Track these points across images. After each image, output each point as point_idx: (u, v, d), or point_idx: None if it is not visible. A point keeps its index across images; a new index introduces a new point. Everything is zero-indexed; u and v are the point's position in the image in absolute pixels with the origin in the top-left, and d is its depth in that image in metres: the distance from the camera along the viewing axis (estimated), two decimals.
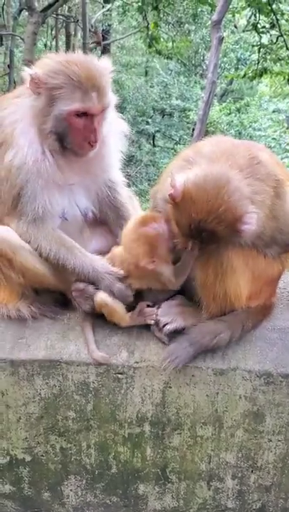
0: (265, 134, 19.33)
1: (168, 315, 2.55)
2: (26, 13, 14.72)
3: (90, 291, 2.58)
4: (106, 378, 2.57)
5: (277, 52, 13.67)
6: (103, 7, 21.20)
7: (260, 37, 13.84)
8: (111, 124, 2.72)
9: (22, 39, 15.42)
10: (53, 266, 2.63)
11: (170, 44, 19.33)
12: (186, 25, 20.18)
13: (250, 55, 20.36)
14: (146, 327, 2.59)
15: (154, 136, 24.10)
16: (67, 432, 2.70)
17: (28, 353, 2.59)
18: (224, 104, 22.66)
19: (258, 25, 13.19)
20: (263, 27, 13.33)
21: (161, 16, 15.63)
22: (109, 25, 22.70)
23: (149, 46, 15.61)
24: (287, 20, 13.44)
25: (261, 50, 13.72)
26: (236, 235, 2.19)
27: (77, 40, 21.20)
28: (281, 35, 12.98)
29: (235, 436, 2.64)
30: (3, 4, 18.66)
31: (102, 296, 2.54)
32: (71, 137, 2.53)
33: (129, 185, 3.05)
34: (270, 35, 13.88)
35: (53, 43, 22.21)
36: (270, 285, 2.63)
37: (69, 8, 20.50)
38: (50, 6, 13.82)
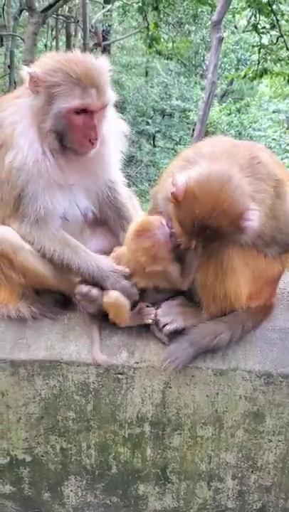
0: (265, 135, 19.33)
1: (168, 315, 2.55)
2: (27, 13, 14.76)
3: (94, 294, 2.56)
4: (106, 379, 2.57)
5: (277, 52, 13.68)
6: (103, 7, 21.23)
7: (261, 37, 13.86)
8: (111, 124, 2.73)
9: (22, 39, 15.45)
10: (56, 266, 2.62)
11: (170, 44, 19.37)
12: (187, 25, 20.20)
13: (250, 56, 20.37)
14: (146, 327, 2.59)
15: (154, 137, 24.12)
16: (67, 432, 2.70)
17: (28, 353, 2.59)
18: (224, 105, 22.67)
19: (258, 26, 13.22)
20: (263, 27, 13.35)
21: (162, 16, 15.67)
22: (109, 26, 22.73)
23: (150, 47, 15.62)
24: (287, 21, 13.45)
25: (261, 50, 13.74)
26: (239, 232, 2.19)
27: (77, 41, 21.22)
28: (281, 36, 13.00)
29: (235, 436, 2.64)
30: (4, 5, 18.67)
31: (115, 295, 2.52)
32: (71, 135, 2.52)
33: (129, 186, 3.05)
34: (271, 36, 13.90)
35: (53, 43, 22.23)
36: (271, 285, 2.63)
37: (69, 8, 20.53)
38: (50, 6, 13.84)
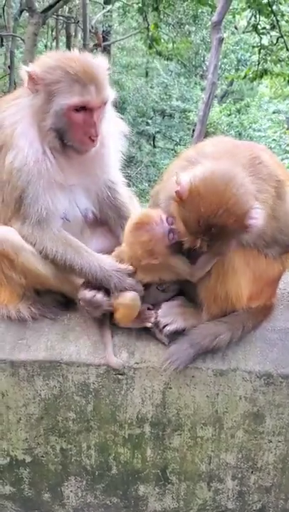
0: (265, 135, 19.36)
1: (168, 316, 2.55)
2: (27, 14, 14.75)
3: (98, 300, 2.53)
4: (106, 379, 2.57)
5: (277, 53, 13.67)
6: (103, 8, 21.25)
7: (261, 38, 13.86)
8: (110, 124, 2.73)
9: (22, 40, 15.45)
10: (58, 267, 2.61)
11: (170, 45, 19.36)
12: (187, 26, 20.21)
13: (250, 56, 20.39)
14: (146, 328, 2.59)
15: (154, 137, 24.13)
16: (67, 432, 2.70)
17: (28, 353, 2.59)
18: (224, 105, 22.71)
19: (259, 27, 13.22)
20: (264, 28, 13.35)
21: (162, 17, 15.66)
22: (109, 27, 22.75)
23: (150, 47, 15.60)
24: (287, 22, 13.46)
25: (261, 51, 13.73)
26: (243, 230, 2.19)
27: (77, 41, 21.21)
28: (281, 37, 13.00)
29: (235, 437, 2.64)
30: (4, 5, 18.66)
31: (131, 296, 2.49)
32: (71, 133, 2.52)
33: (129, 186, 3.05)
34: (271, 37, 13.89)
35: (54, 43, 22.22)
36: (271, 286, 2.63)
37: (69, 9, 20.53)
38: (50, 6, 13.84)
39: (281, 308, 2.77)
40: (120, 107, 20.30)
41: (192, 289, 2.53)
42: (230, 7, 11.36)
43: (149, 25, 15.05)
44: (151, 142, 24.01)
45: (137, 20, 19.09)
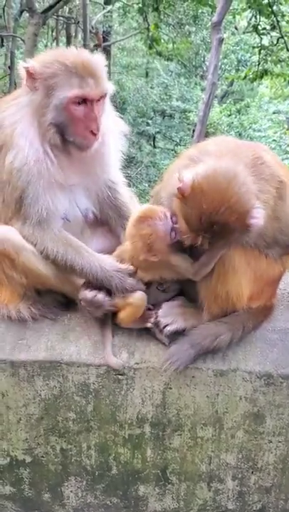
0: (266, 135, 19.37)
1: (168, 316, 2.55)
2: (27, 14, 14.75)
3: (99, 300, 2.53)
4: (106, 379, 2.57)
5: (277, 53, 13.68)
6: (104, 8, 21.24)
7: (261, 38, 13.86)
8: (110, 124, 2.72)
9: (23, 40, 15.45)
10: (59, 267, 2.61)
11: (170, 45, 19.36)
12: (187, 26, 20.20)
13: (250, 57, 20.38)
14: (147, 328, 2.59)
15: (154, 138, 24.12)
16: (67, 433, 2.69)
17: (28, 354, 2.59)
18: (224, 106, 22.71)
19: (259, 27, 13.23)
20: (264, 28, 13.36)
21: (162, 17, 15.67)
22: (109, 27, 22.73)
23: (150, 47, 15.61)
24: (287, 22, 13.46)
25: (262, 51, 13.73)
26: (244, 229, 2.19)
27: (77, 42, 21.19)
28: (282, 37, 13.00)
29: (235, 437, 2.63)
30: (4, 5, 18.67)
31: (140, 296, 2.49)
32: (73, 128, 2.50)
33: (129, 186, 3.05)
34: (271, 37, 13.89)
35: (54, 44, 22.21)
36: (271, 286, 2.63)
37: (70, 9, 20.53)
38: (50, 7, 13.85)
39: (281, 309, 2.77)
40: (120, 107, 20.33)
41: (192, 289, 2.53)
42: (231, 7, 11.37)
43: (149, 25, 15.05)
44: (152, 142, 24.00)
45: (137, 20, 19.10)
